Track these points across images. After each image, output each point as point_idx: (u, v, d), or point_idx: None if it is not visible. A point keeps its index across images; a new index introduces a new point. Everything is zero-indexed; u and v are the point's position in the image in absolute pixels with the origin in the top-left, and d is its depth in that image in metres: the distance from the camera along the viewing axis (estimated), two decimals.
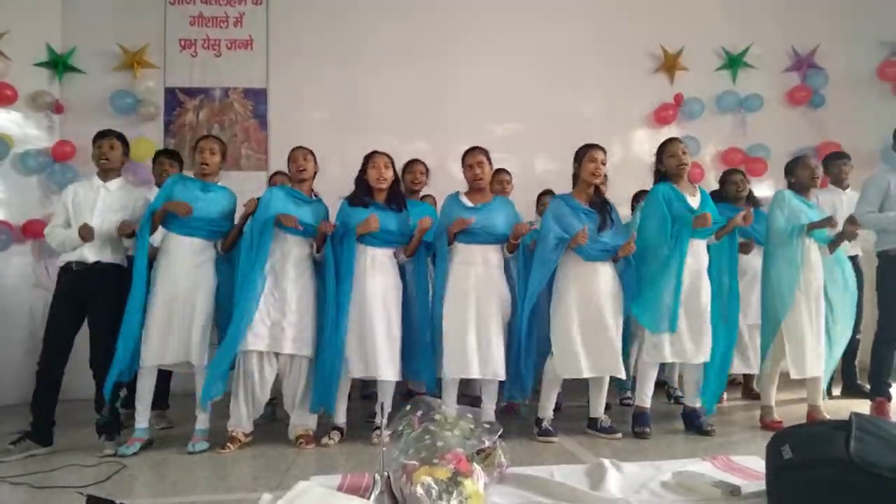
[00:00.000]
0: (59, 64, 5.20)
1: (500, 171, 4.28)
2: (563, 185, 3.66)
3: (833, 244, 3.59)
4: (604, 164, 3.46)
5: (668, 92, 5.75)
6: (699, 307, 3.39)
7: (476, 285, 3.40)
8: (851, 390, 4.24)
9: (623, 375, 3.39)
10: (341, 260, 3.41)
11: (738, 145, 5.72)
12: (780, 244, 3.53)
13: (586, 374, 3.33)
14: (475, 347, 3.34)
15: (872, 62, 5.75)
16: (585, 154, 3.47)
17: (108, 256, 3.45)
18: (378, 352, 3.35)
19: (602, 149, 3.50)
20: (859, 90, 5.67)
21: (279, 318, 3.34)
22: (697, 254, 3.44)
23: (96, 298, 3.40)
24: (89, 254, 3.40)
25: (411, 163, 4.29)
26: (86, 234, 3.34)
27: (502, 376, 3.40)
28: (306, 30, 5.48)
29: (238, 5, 5.50)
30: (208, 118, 5.42)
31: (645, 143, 5.62)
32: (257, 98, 5.47)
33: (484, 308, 3.39)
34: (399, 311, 3.48)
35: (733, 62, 5.80)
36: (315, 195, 3.62)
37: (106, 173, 3.55)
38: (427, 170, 4.29)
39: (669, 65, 5.76)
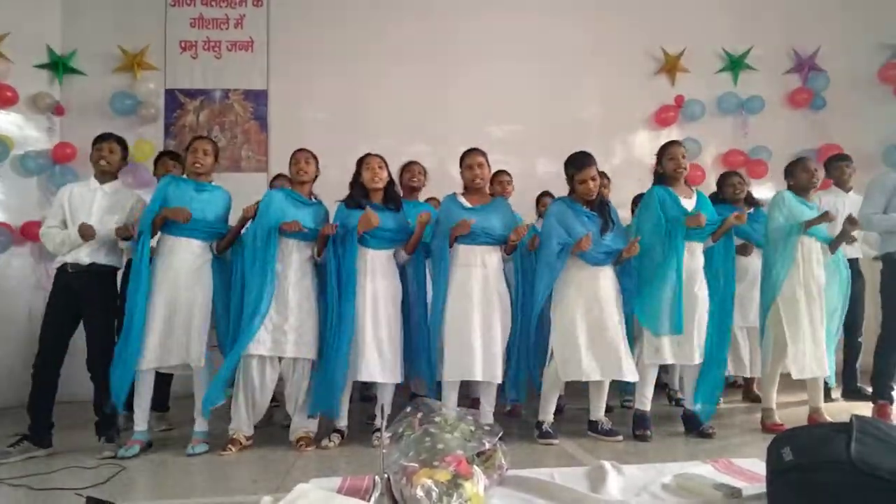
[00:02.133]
0: (59, 66, 5.21)
1: (500, 172, 4.28)
2: (564, 187, 3.66)
3: (834, 244, 3.59)
4: (595, 179, 3.43)
5: (669, 94, 5.75)
6: (695, 309, 3.39)
7: (477, 287, 3.39)
8: (852, 393, 4.23)
9: (632, 378, 3.36)
10: (343, 263, 3.39)
11: (739, 147, 5.71)
12: (779, 243, 3.53)
13: (591, 378, 3.32)
14: (478, 350, 3.33)
15: (874, 65, 5.75)
16: (579, 172, 3.44)
17: (103, 258, 3.44)
18: (374, 355, 3.34)
19: (593, 161, 3.47)
20: (860, 93, 5.66)
21: (281, 322, 3.33)
22: (693, 255, 3.44)
23: (91, 300, 3.39)
24: (84, 255, 3.39)
25: (409, 164, 4.28)
26: (86, 232, 3.33)
27: (500, 379, 3.39)
28: (307, 31, 5.48)
29: (238, 7, 5.50)
30: (209, 120, 5.43)
31: (646, 145, 5.62)
32: (258, 100, 5.47)
33: (486, 310, 3.38)
34: (399, 313, 3.48)
35: (734, 64, 5.79)
36: (315, 198, 3.62)
37: (103, 175, 3.54)
38: (425, 171, 4.28)
39: (670, 67, 5.76)
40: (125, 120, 5.19)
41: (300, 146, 3.60)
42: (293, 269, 3.41)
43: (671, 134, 5.75)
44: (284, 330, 3.33)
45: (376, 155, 3.57)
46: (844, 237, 3.59)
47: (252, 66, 5.46)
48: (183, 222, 3.33)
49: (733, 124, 5.79)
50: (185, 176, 3.61)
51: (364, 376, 3.37)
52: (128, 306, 3.30)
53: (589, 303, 3.36)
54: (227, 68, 5.45)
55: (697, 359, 3.41)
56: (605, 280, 3.41)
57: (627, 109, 5.72)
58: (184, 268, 3.37)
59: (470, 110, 5.42)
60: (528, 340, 3.46)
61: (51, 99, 5.14)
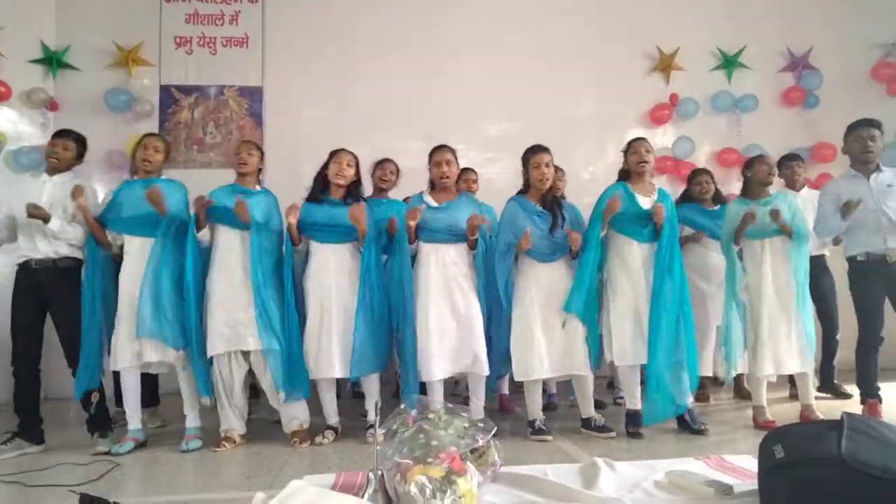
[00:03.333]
0: (53, 61, 5.18)
1: (466, 169, 4.28)
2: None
3: (736, 236, 3.56)
4: (548, 166, 3.44)
5: (664, 92, 5.76)
6: (638, 308, 3.37)
7: (448, 284, 3.38)
8: (827, 389, 4.26)
9: (585, 373, 3.35)
10: (287, 258, 3.44)
11: (732, 146, 5.73)
12: (727, 252, 3.65)
13: (546, 375, 3.34)
14: (454, 347, 3.33)
15: (867, 63, 5.78)
16: (530, 159, 3.47)
17: (66, 251, 3.40)
18: (334, 350, 3.33)
19: (545, 149, 3.48)
20: (854, 91, 5.68)
21: (241, 316, 3.32)
22: (633, 254, 3.41)
23: (59, 295, 3.37)
24: (42, 245, 3.35)
25: (382, 162, 4.22)
26: (32, 211, 3.23)
27: (485, 371, 3.38)
28: (302, 28, 5.47)
29: (233, 3, 5.49)
30: (203, 116, 5.41)
31: None
32: (252, 96, 5.46)
33: (460, 306, 3.37)
34: (353, 306, 3.38)
35: (728, 63, 5.81)
36: (259, 187, 3.60)
37: (54, 171, 3.50)
38: (398, 169, 4.24)
39: (665, 65, 5.77)
40: (119, 116, 5.17)
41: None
42: (239, 260, 3.37)
43: (666, 132, 5.78)
44: (245, 323, 3.31)
45: (349, 151, 3.55)
46: (742, 227, 3.51)
47: (247, 62, 5.45)
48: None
49: (727, 122, 5.81)
50: (134, 177, 3.58)
51: (329, 373, 3.36)
52: (83, 311, 3.29)
53: (545, 298, 3.37)
54: (221, 64, 5.44)
55: (642, 360, 3.36)
56: (560, 275, 3.41)
57: (622, 107, 5.73)
58: (144, 264, 3.32)
59: (465, 107, 5.41)
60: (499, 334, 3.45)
61: (44, 94, 5.12)
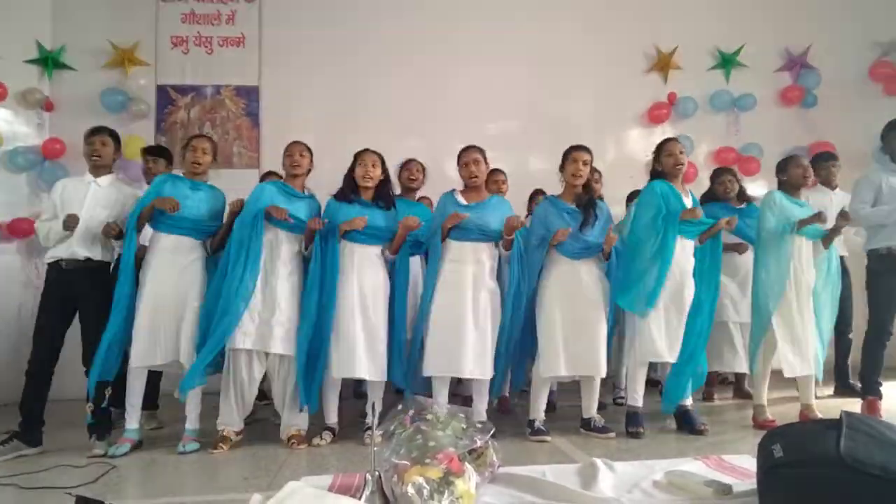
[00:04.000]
0: (49, 61, 5.17)
1: (495, 171, 4.28)
2: (557, 185, 3.66)
3: (827, 239, 3.61)
4: (585, 164, 3.47)
5: (662, 91, 5.76)
6: (681, 308, 3.41)
7: (468, 283, 3.38)
8: (844, 390, 4.26)
9: (603, 374, 3.38)
10: (325, 258, 3.38)
11: (730, 145, 5.73)
12: (771, 243, 3.56)
13: (565, 373, 3.35)
14: (467, 346, 3.32)
15: (864, 63, 5.78)
16: (569, 156, 3.51)
17: (97, 254, 3.41)
18: (361, 351, 3.32)
19: (586, 149, 3.51)
20: (851, 90, 5.69)
21: (268, 317, 3.31)
22: (684, 252, 3.44)
23: (86, 296, 3.36)
24: (78, 249, 3.36)
25: (408, 162, 4.27)
26: (71, 222, 3.29)
27: (489, 375, 3.39)
28: (299, 27, 5.45)
29: (230, 3, 5.47)
30: (200, 116, 5.40)
31: (638, 143, 5.64)
32: (249, 96, 5.44)
33: (475, 306, 3.37)
34: (385, 309, 3.45)
35: (726, 62, 5.81)
36: (308, 191, 3.60)
37: (97, 169, 3.51)
38: (424, 169, 4.27)
39: (663, 64, 5.77)
40: (116, 116, 5.15)
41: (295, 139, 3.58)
42: (282, 262, 3.38)
43: (664, 131, 5.77)
44: (272, 325, 3.30)
45: (374, 152, 3.54)
46: (837, 232, 3.61)
47: (244, 61, 5.43)
48: (170, 212, 3.30)
49: (725, 121, 5.81)
50: (181, 174, 3.58)
51: (354, 373, 3.35)
52: (114, 302, 3.28)
53: (570, 297, 3.38)
54: (218, 64, 5.42)
55: (674, 358, 3.42)
56: (588, 275, 3.42)
57: (620, 106, 5.73)
58: (174, 265, 3.36)
59: (463, 107, 5.40)
60: (515, 337, 3.45)
61: (40, 94, 5.10)
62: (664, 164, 3.54)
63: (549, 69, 5.53)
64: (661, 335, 3.38)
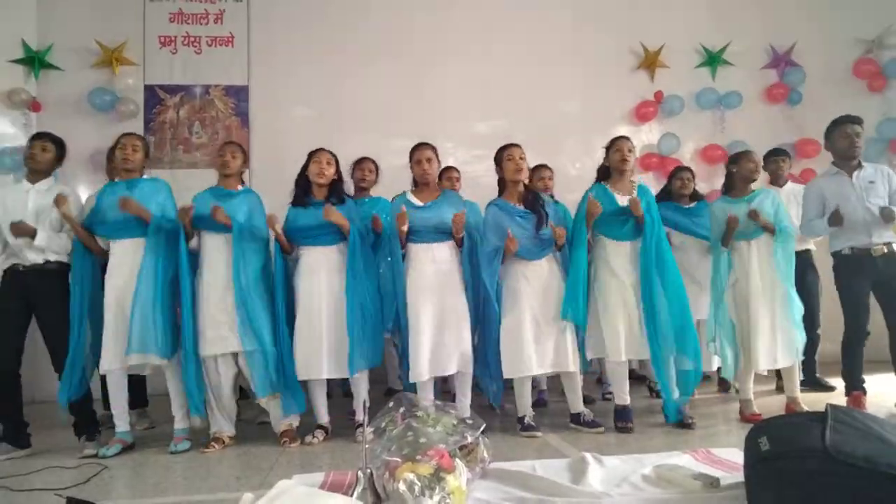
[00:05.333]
0: (35, 61, 5.13)
1: (448, 168, 4.28)
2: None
3: (724, 240, 3.59)
4: (522, 158, 3.48)
5: (649, 89, 5.80)
6: (629, 306, 3.39)
7: (437, 284, 3.37)
8: (810, 383, 4.30)
9: (573, 368, 3.37)
10: (277, 261, 3.45)
11: (717, 142, 5.78)
12: (715, 254, 3.66)
13: (535, 372, 3.36)
14: (442, 346, 3.32)
15: (848, 59, 5.85)
16: (502, 154, 3.51)
17: (53, 255, 3.37)
18: (327, 352, 3.33)
19: (517, 146, 3.51)
20: (836, 87, 5.74)
21: (224, 318, 3.32)
22: (617, 254, 3.44)
23: (46, 299, 3.34)
24: (31, 254, 3.33)
25: (360, 160, 4.20)
26: (21, 230, 3.25)
27: (470, 368, 3.38)
28: (288, 26, 5.45)
29: (218, 2, 5.45)
30: (188, 115, 5.38)
31: None
32: (238, 95, 5.43)
33: (448, 305, 3.36)
34: (344, 307, 3.38)
35: (712, 59, 5.86)
36: (242, 186, 3.61)
37: (34, 175, 3.46)
38: (377, 168, 4.24)
39: (650, 62, 5.81)
40: (103, 116, 5.12)
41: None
42: (220, 263, 3.36)
43: (651, 129, 5.82)
44: (229, 325, 3.30)
45: (328, 151, 3.55)
46: (729, 235, 3.56)
47: (232, 61, 5.42)
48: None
49: (711, 119, 5.85)
50: (115, 179, 3.56)
51: (319, 374, 3.36)
52: (70, 318, 3.26)
53: (533, 296, 3.38)
54: (207, 64, 5.40)
55: (645, 354, 3.39)
56: (549, 271, 3.44)
57: (608, 105, 5.76)
58: (129, 267, 3.30)
59: (453, 105, 5.42)
60: (488, 339, 3.43)
61: (27, 95, 5.06)
62: (611, 159, 3.58)
63: (537, 68, 5.55)
64: (617, 336, 3.36)
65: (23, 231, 3.26)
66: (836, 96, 5.62)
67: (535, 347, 3.33)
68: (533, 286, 3.41)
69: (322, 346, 3.33)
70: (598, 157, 5.42)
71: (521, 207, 3.48)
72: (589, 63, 5.66)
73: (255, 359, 3.31)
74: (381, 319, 3.45)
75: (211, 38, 5.43)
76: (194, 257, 3.46)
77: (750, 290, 3.53)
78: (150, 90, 5.36)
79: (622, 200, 3.47)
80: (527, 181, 3.64)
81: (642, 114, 5.78)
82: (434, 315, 3.35)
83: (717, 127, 5.83)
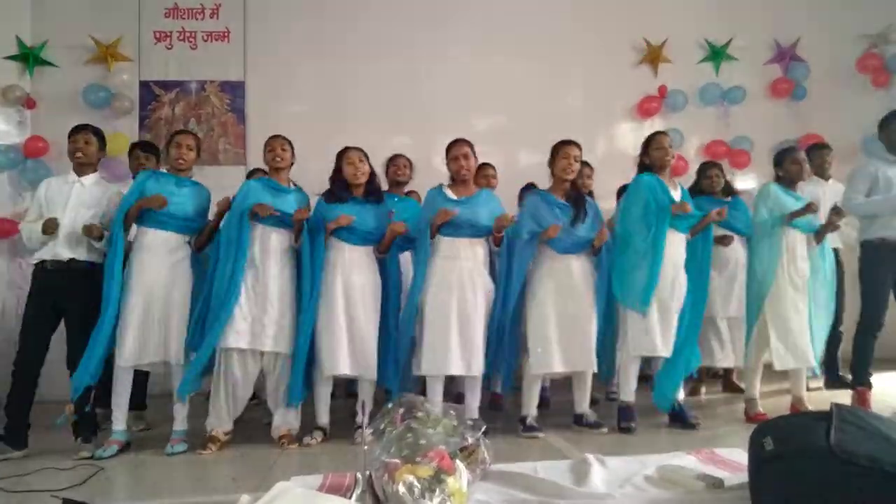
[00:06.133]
0: (29, 57, 5.08)
1: (484, 165, 4.26)
2: (547, 179, 3.64)
3: (819, 234, 3.61)
4: (576, 159, 3.46)
5: (652, 84, 5.74)
6: (674, 302, 3.40)
7: (460, 280, 3.35)
8: (834, 382, 4.28)
9: (595, 369, 3.38)
10: (314, 257, 3.36)
11: (721, 137, 5.73)
12: (763, 235, 3.57)
13: (558, 369, 3.34)
14: (457, 344, 3.30)
15: (853, 55, 5.79)
16: (559, 151, 3.49)
17: (82, 254, 3.36)
18: (345, 349, 3.30)
19: (576, 144, 3.50)
20: (840, 82, 5.69)
21: (260, 315, 3.27)
22: (675, 246, 3.44)
23: (72, 298, 3.32)
24: (63, 251, 3.31)
25: (395, 157, 4.24)
26: (48, 227, 3.25)
27: (479, 372, 3.36)
28: (284, 22, 5.40)
29: None
30: (184, 112, 5.33)
31: (629, 136, 5.61)
32: (235, 91, 5.38)
33: (468, 303, 3.34)
34: (375, 309, 3.43)
35: (716, 54, 5.81)
36: (293, 184, 3.56)
37: (81, 168, 3.46)
38: (410, 163, 4.25)
39: (653, 57, 5.76)
40: (99, 112, 5.07)
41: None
42: (272, 258, 3.35)
43: (654, 124, 5.75)
44: (264, 323, 3.26)
45: (356, 148, 3.51)
46: (829, 227, 3.61)
47: (228, 56, 5.36)
48: (157, 209, 3.27)
49: (715, 114, 5.80)
50: (165, 170, 3.54)
51: (337, 370, 3.33)
52: (102, 303, 3.23)
53: (561, 292, 3.37)
54: (202, 59, 5.35)
55: (668, 353, 3.40)
56: (578, 270, 3.42)
57: (610, 100, 5.71)
58: (160, 263, 3.31)
59: (452, 101, 5.37)
60: (504, 333, 3.42)
61: (21, 91, 5.01)
62: (653, 157, 3.54)
63: (539, 63, 5.50)
64: (655, 329, 3.37)
65: (94, 233, 3.26)
66: (841, 91, 5.58)
67: (559, 346, 3.32)
68: (559, 282, 3.39)
69: (343, 343, 3.31)
70: (601, 152, 5.50)
71: (563, 200, 3.48)
72: (591, 58, 5.61)
73: (285, 362, 3.32)
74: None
75: (207, 33, 5.37)
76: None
77: (794, 284, 3.50)
78: (145, 86, 5.31)
79: (673, 194, 3.49)
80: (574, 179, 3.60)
81: (645, 109, 5.73)
82: (455, 312, 3.31)
83: (721, 122, 5.78)
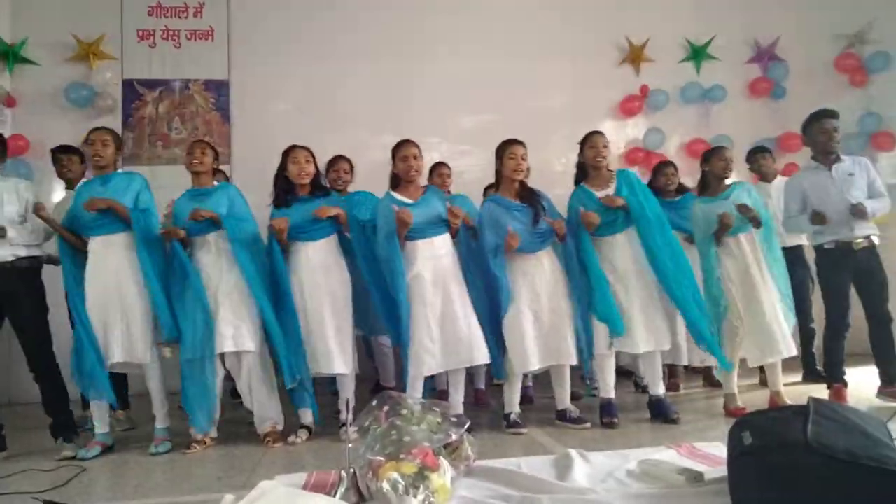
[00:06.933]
0: (10, 55, 5.01)
1: (440, 164, 4.24)
2: (537, 176, 3.66)
3: (716, 237, 3.58)
4: (524, 158, 3.46)
5: (634, 83, 5.79)
6: (643, 297, 3.41)
7: (439, 277, 3.33)
8: (811, 376, 4.34)
9: (573, 362, 3.38)
10: (274, 263, 3.40)
11: (702, 136, 5.78)
12: (703, 253, 3.65)
13: (537, 366, 3.34)
14: (454, 340, 3.27)
15: (830, 54, 5.88)
16: (505, 151, 3.48)
17: (23, 251, 3.31)
18: (326, 347, 3.31)
19: (521, 143, 3.49)
20: (818, 82, 5.77)
21: (214, 318, 3.28)
22: (614, 247, 3.47)
23: (17, 299, 3.28)
24: (4, 252, 3.27)
25: (335, 159, 4.13)
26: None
27: (478, 361, 3.32)
28: (269, 20, 5.37)
29: None
30: (168, 111, 5.29)
31: (612, 135, 5.59)
32: (219, 90, 5.34)
33: (447, 299, 3.32)
34: (347, 302, 3.42)
35: (697, 54, 5.87)
36: (217, 182, 3.58)
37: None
38: (352, 167, 4.19)
39: (635, 56, 5.81)
40: (81, 111, 5.03)
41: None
42: (216, 262, 3.35)
43: (636, 123, 5.82)
44: (220, 326, 3.26)
45: (304, 147, 3.50)
46: (723, 232, 3.55)
47: (212, 55, 5.33)
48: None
49: (696, 113, 5.87)
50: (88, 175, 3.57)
51: (322, 370, 3.34)
52: (76, 308, 3.23)
53: (534, 291, 3.38)
54: (186, 58, 5.31)
55: (642, 348, 3.41)
56: (548, 265, 3.44)
57: (593, 99, 5.74)
58: (111, 265, 3.27)
59: (437, 100, 5.38)
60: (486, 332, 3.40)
61: (2, 90, 4.94)
62: (586, 156, 3.59)
63: (522, 62, 5.52)
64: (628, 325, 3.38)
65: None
66: (819, 91, 5.64)
67: (537, 342, 3.33)
68: (533, 280, 3.39)
69: (328, 341, 3.31)
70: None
71: (518, 202, 3.47)
72: (574, 57, 5.63)
73: (254, 359, 3.32)
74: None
75: (190, 31, 5.33)
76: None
77: (741, 284, 3.53)
78: (128, 85, 5.26)
79: (608, 191, 3.49)
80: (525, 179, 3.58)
81: (628, 108, 5.78)
82: (443, 307, 3.29)
83: (702, 121, 5.85)
